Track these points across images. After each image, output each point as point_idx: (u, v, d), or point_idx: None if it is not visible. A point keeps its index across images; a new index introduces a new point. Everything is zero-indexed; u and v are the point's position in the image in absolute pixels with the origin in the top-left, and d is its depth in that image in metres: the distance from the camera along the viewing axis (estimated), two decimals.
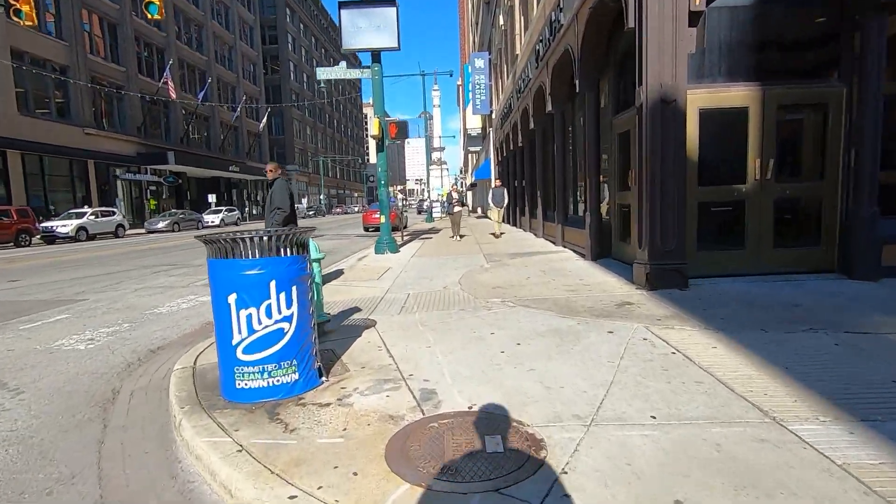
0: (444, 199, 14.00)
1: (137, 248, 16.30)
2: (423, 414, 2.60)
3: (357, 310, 5.42)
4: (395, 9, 10.33)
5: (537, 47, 11.27)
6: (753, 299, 4.83)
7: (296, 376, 2.92)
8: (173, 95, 33.09)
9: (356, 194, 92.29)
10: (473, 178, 39.15)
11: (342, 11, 10.29)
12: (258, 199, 53.46)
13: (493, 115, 25.78)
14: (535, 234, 13.91)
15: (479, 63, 25.19)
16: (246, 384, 2.83)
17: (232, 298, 2.78)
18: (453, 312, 4.92)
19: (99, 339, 4.99)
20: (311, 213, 52.09)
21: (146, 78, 34.55)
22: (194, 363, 3.64)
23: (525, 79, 13.58)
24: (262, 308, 2.80)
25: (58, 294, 7.72)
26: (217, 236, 2.82)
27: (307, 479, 2.03)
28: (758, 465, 2.02)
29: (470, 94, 30.11)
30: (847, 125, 5.69)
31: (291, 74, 62.67)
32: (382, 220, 11.28)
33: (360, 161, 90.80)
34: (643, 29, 5.34)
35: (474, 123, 38.89)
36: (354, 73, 11.02)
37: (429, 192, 40.43)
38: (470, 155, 53.68)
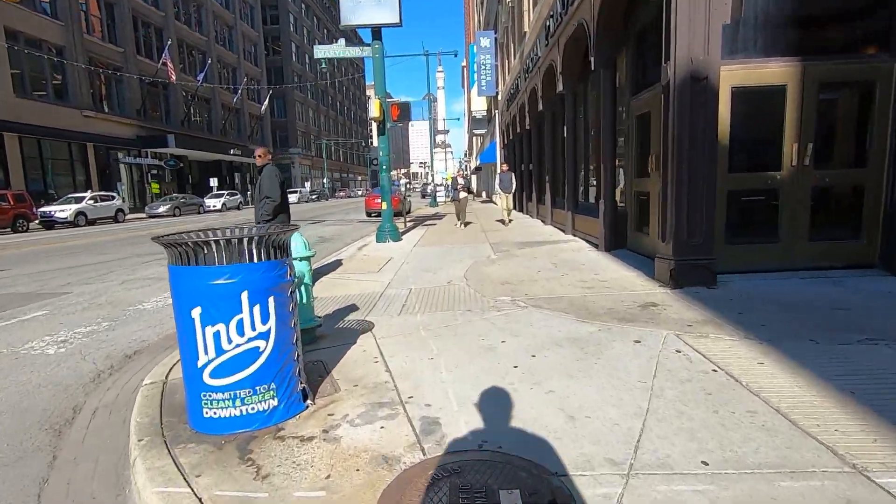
0: (449, 183, 13.34)
1: (135, 234, 15.91)
2: (424, 454, 2.16)
3: (354, 308, 4.98)
4: None
5: (547, 23, 10.61)
6: (792, 300, 4.35)
7: (274, 402, 2.48)
8: (173, 77, 32.42)
9: (360, 178, 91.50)
10: (478, 162, 38.45)
11: None
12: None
13: (499, 97, 25.02)
14: (543, 222, 13.40)
15: (485, 42, 24.34)
16: (215, 413, 2.40)
17: (196, 313, 2.33)
18: (459, 314, 4.47)
19: (73, 340, 4.58)
20: (314, 197, 51.54)
21: (145, 59, 33.81)
22: (166, 377, 3.22)
23: (533, 58, 12.92)
24: (233, 324, 2.35)
25: (42, 286, 7.33)
26: (178, 237, 2.36)
27: None
28: None
29: (475, 76, 29.27)
30: None
31: (293, 55, 61.50)
32: (384, 206, 10.80)
33: (363, 144, 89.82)
34: None
35: (479, 105, 38.05)
36: (354, 52, 10.42)
37: (433, 175, 39.74)
38: (474, 138, 52.76)
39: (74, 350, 4.31)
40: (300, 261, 3.73)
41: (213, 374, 2.37)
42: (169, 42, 34.28)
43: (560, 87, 9.96)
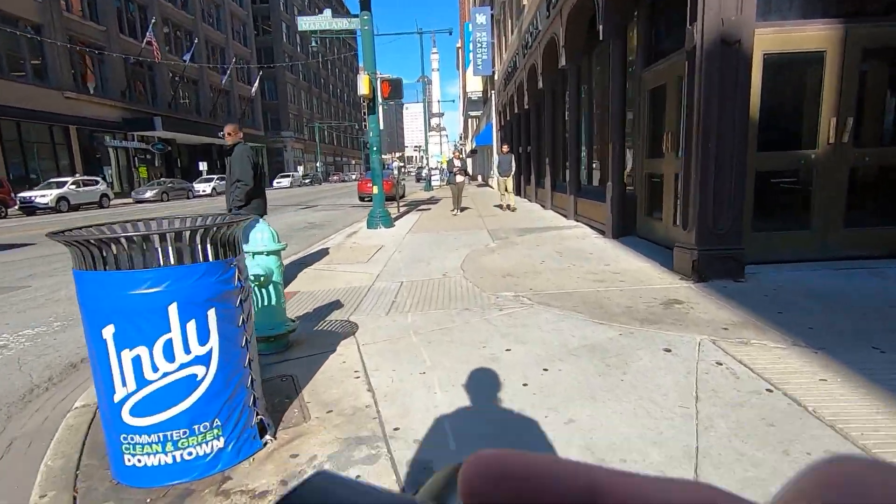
0: (445, 166, 12.61)
1: (114, 221, 15.19)
2: None
3: (337, 306, 4.42)
4: None
5: None
6: (834, 296, 3.82)
7: (219, 443, 1.93)
8: (158, 56, 31.25)
9: (354, 162, 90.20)
10: (474, 145, 37.62)
11: None
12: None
13: (496, 77, 24.18)
14: (543, 206, 12.81)
15: (481, 19, 23.40)
16: (139, 461, 1.85)
17: (108, 333, 1.76)
18: (455, 313, 3.92)
19: (14, 345, 4.00)
20: (307, 181, 50.58)
21: (128, 38, 32.53)
22: None
23: (533, 32, 12.18)
24: (159, 346, 1.78)
25: (0, 278, 6.71)
26: (84, 233, 1.78)
27: None
28: None
29: (470, 55, 28.31)
30: None
31: (284, 36, 59.81)
32: (375, 191, 10.17)
33: (357, 127, 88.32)
34: None
35: (475, 86, 37.07)
36: (341, 23, 9.68)
37: (427, 159, 38.89)
38: (470, 120, 51.71)
39: (13, 357, 3.73)
40: (267, 255, 3.15)
41: (134, 412, 1.81)
42: (153, 20, 32.98)
43: (563, 62, 9.28)
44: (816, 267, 4.69)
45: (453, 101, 72.83)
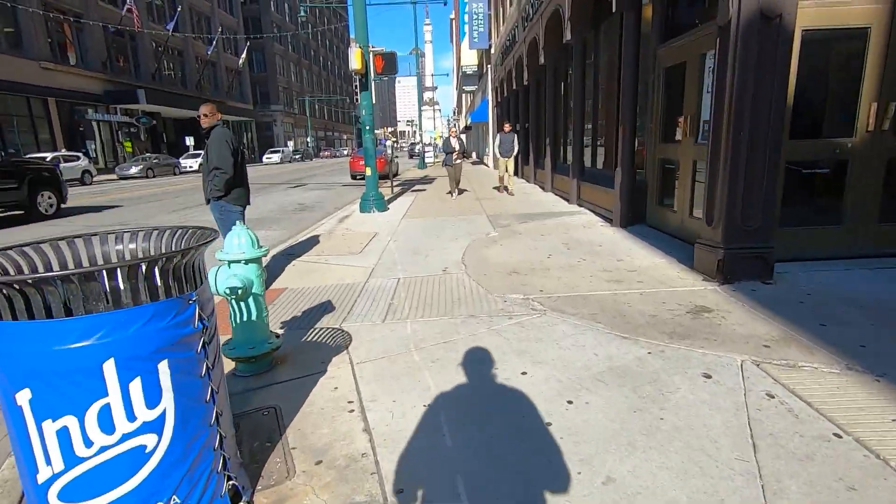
0: (441, 144, 11.74)
1: (99, 201, 14.55)
2: None
3: (328, 308, 4.02)
4: None
5: None
6: (877, 303, 3.47)
7: None
8: (138, 25, 29.83)
9: (345, 137, 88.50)
10: (469, 121, 36.76)
11: None
12: (245, 140, 50.49)
13: (493, 51, 23.31)
14: (543, 188, 12.36)
15: None
16: None
17: (24, 398, 1.34)
18: (460, 321, 3.53)
19: None
20: (297, 157, 49.47)
21: (108, 6, 31.00)
22: None
23: (534, 3, 11.50)
24: (92, 414, 1.37)
25: None
26: None
27: None
28: None
29: (465, 27, 27.28)
30: None
31: (272, 5, 57.57)
32: (368, 172, 9.65)
33: (348, 101, 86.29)
34: None
35: (470, 60, 36.02)
36: None
37: (421, 135, 38.01)
38: (464, 95, 50.48)
39: None
40: (246, 264, 2.72)
41: (64, 496, 1.41)
42: None
43: (567, 36, 8.70)
44: (848, 266, 4.34)
45: (447, 74, 71.15)
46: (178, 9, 37.35)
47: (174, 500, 1.52)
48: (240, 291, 2.65)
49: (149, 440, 1.45)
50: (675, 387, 2.47)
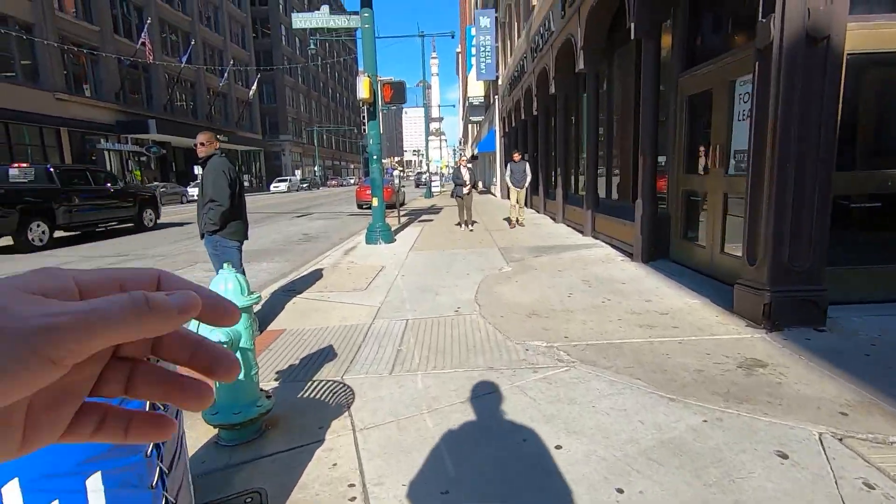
0: (451, 174, 11.34)
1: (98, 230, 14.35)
2: None
3: (329, 356, 3.61)
4: None
5: None
6: None
7: None
8: (151, 57, 30.47)
9: (352, 166, 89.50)
10: (476, 151, 36.92)
11: None
12: (253, 170, 50.99)
13: (500, 82, 23.47)
14: (553, 219, 12.03)
15: (485, 22, 22.70)
16: None
17: None
18: (478, 375, 3.11)
19: None
20: (304, 185, 49.82)
21: (123, 39, 31.78)
22: None
23: (544, 34, 11.44)
24: None
25: None
26: None
27: None
28: None
29: (472, 59, 27.63)
30: None
31: (283, 39, 59.20)
32: (375, 202, 9.36)
33: (356, 131, 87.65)
34: None
35: (476, 91, 36.42)
36: (339, 21, 8.91)
37: (428, 164, 38.14)
38: (470, 125, 51.06)
39: None
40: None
41: None
42: (149, 21, 32.25)
43: (580, 65, 8.52)
44: None
45: (453, 105, 72.24)
46: (192, 42, 38.32)
47: None
48: (224, 347, 2.25)
49: None
50: (746, 470, 2.02)
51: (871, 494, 1.85)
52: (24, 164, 11.95)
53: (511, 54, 19.36)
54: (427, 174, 34.34)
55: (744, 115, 4.56)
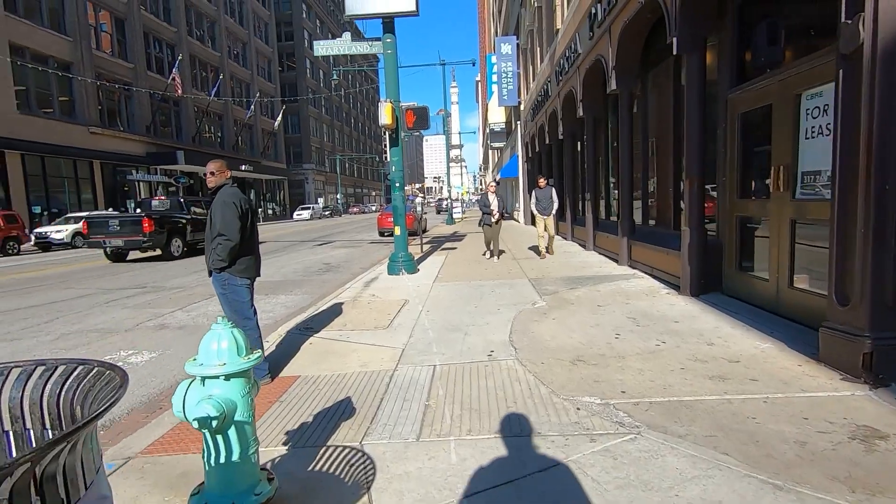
0: (477, 199, 10.68)
1: (124, 260, 14.36)
2: None
3: (346, 412, 3.13)
4: None
5: (593, 10, 8.82)
6: None
7: None
8: (179, 91, 31.45)
9: (374, 193, 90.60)
10: (498, 177, 36.71)
11: None
12: (278, 198, 51.83)
13: (522, 107, 23.30)
14: (584, 246, 11.45)
15: (506, 48, 22.70)
16: None
17: None
18: (523, 443, 2.58)
19: None
20: (327, 213, 50.31)
21: (156, 75, 33.01)
22: None
23: (570, 56, 11.13)
24: None
25: None
26: None
27: None
28: None
29: (493, 87, 27.65)
30: None
31: (308, 72, 60.98)
32: (397, 231, 8.98)
33: (377, 159, 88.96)
34: None
35: (497, 118, 36.46)
36: (361, 48, 8.74)
37: (449, 190, 38.05)
38: (490, 151, 51.09)
39: None
40: (227, 380, 1.89)
41: None
42: (180, 57, 33.45)
43: (612, 86, 8.10)
44: None
45: (473, 132, 72.77)
46: (221, 77, 39.62)
47: None
48: (215, 423, 1.81)
49: None
50: None
51: None
52: (162, 197, 17.01)
53: (533, 79, 19.17)
54: (448, 201, 34.12)
55: (815, 131, 4.03)
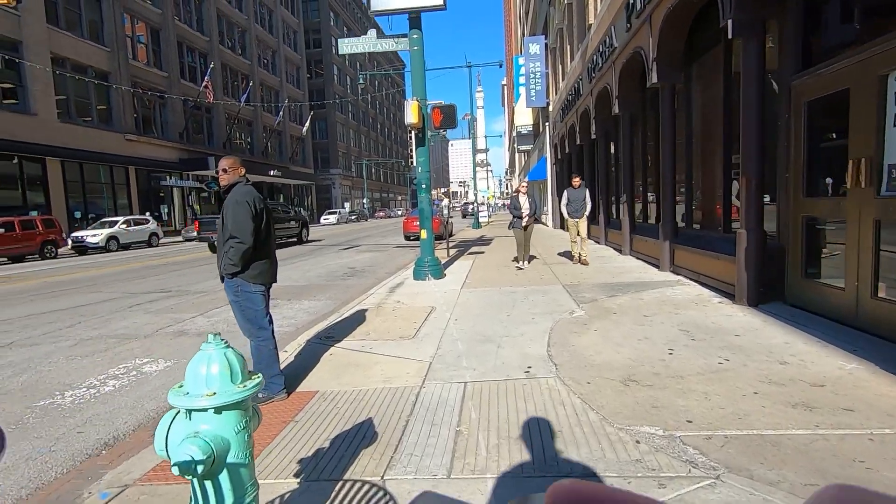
0: (507, 201, 10.02)
1: (152, 263, 14.49)
2: None
3: (366, 437, 2.76)
4: None
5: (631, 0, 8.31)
6: None
7: None
8: (210, 98, 32.08)
9: (400, 197, 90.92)
10: (527, 179, 36.18)
11: None
12: (306, 203, 52.43)
13: (550, 108, 22.74)
14: (619, 251, 10.87)
15: (535, 48, 22.20)
16: None
17: None
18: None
19: None
20: (353, 217, 50.60)
21: (189, 83, 33.82)
22: None
23: (604, 52, 10.60)
24: None
25: None
26: None
27: None
28: None
29: (520, 88, 27.15)
30: None
31: (335, 78, 61.70)
32: (424, 235, 8.63)
33: (403, 164, 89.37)
34: None
35: (524, 120, 35.92)
36: (386, 45, 8.45)
37: (476, 194, 37.60)
38: (518, 154, 50.44)
39: None
40: (218, 412, 1.54)
41: None
42: (212, 65, 34.15)
43: (653, 79, 7.57)
44: None
45: (500, 136, 72.25)
46: (251, 84, 40.35)
47: None
48: (200, 467, 1.45)
49: None
50: None
51: None
52: None
53: (563, 79, 18.64)
54: (475, 204, 33.70)
55: None
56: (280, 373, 3.55)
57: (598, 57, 11.29)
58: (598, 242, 13.12)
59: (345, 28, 66.17)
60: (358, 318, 5.80)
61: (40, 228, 18.75)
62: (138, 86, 29.48)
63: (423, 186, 8.53)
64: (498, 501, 2.08)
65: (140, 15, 30.22)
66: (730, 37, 5.04)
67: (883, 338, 3.71)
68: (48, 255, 18.86)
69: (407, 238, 19.38)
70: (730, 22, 5.00)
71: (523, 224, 8.82)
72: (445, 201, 17.64)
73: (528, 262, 9.49)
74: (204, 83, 32.06)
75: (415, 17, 8.15)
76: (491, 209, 52.25)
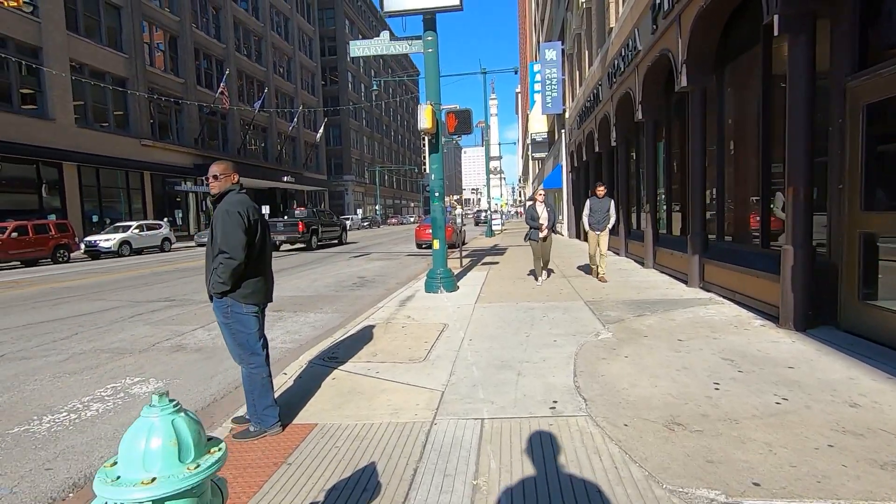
0: (525, 210, 9.37)
1: (160, 269, 14.29)
2: None
3: (368, 489, 2.35)
4: None
5: (657, 0, 7.87)
6: None
7: None
8: (226, 104, 32.22)
9: (412, 204, 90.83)
10: (542, 188, 35.64)
11: None
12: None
13: (566, 115, 22.29)
14: (641, 264, 10.35)
15: (551, 55, 21.81)
16: None
17: None
18: None
19: None
20: (365, 224, 50.48)
21: (205, 89, 34.05)
22: None
23: (626, 55, 10.16)
24: None
25: None
26: None
27: None
28: None
29: (535, 95, 26.74)
30: None
31: (350, 85, 62.01)
32: (436, 245, 8.23)
33: (416, 171, 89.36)
34: None
35: (539, 127, 35.46)
36: (399, 47, 8.12)
37: (489, 201, 37.18)
38: (532, 162, 49.95)
39: None
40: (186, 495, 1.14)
41: None
42: (227, 72, 34.36)
43: (682, 83, 7.11)
44: None
45: (514, 143, 71.85)
46: (266, 91, 40.56)
47: None
48: None
49: None
50: None
51: None
52: (303, 208, 25.69)
53: (580, 85, 18.19)
54: (489, 212, 33.28)
55: None
56: (274, 404, 3.15)
57: (619, 61, 10.85)
58: (617, 254, 12.60)
59: (360, 36, 66.54)
60: (365, 336, 5.40)
61: (53, 232, 18.75)
62: (155, 92, 29.68)
63: (437, 195, 8.14)
64: None
65: (159, 22, 30.52)
66: (775, 34, 4.58)
67: None
68: (61, 259, 18.84)
69: (419, 246, 19.02)
70: (776, 18, 4.54)
71: (542, 236, 8.24)
72: (458, 209, 17.21)
73: (548, 276, 8.95)
74: (220, 89, 32.23)
75: (429, 18, 7.81)
76: (504, 217, 51.80)
